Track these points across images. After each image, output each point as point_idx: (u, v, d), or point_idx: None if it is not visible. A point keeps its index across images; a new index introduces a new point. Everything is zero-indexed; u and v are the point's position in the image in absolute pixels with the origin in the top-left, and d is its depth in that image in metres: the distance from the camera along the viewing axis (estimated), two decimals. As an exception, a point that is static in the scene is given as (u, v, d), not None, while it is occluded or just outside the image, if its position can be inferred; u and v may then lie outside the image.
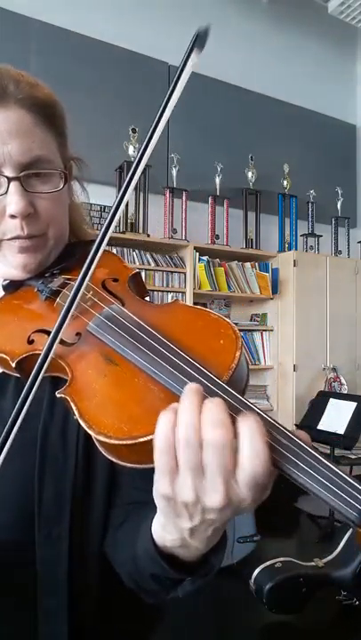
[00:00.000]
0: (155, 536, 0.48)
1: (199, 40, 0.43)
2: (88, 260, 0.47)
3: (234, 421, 0.38)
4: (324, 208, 4.45)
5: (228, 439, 0.37)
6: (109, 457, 0.43)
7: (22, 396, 0.44)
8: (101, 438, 0.42)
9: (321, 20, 4.56)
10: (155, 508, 0.45)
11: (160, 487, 0.41)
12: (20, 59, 3.20)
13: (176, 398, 0.41)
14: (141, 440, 0.40)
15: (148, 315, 0.52)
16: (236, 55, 4.20)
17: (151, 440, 0.40)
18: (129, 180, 0.47)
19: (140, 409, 0.43)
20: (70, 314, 0.46)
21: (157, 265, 3.54)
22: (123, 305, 0.55)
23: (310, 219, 4.37)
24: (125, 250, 3.45)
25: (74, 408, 0.45)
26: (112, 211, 0.47)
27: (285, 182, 4.30)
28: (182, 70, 0.44)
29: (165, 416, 0.39)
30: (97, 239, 0.47)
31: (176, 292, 3.58)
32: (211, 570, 0.49)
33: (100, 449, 0.44)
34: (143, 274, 3.48)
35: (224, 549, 0.49)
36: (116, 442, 0.41)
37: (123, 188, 0.47)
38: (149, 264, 3.51)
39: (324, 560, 2.10)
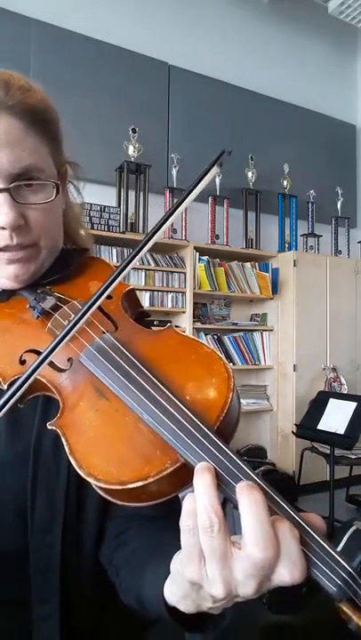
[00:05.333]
0: (167, 600, 0.44)
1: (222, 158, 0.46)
2: (87, 305, 0.47)
3: (232, 484, 0.37)
4: (324, 208, 4.45)
5: (275, 557, 0.34)
6: (100, 493, 0.43)
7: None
8: (91, 480, 0.41)
9: (321, 19, 4.56)
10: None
11: (187, 573, 0.37)
12: (20, 59, 3.20)
13: (165, 442, 0.41)
14: (130, 487, 0.39)
15: (141, 344, 0.51)
16: (236, 55, 4.20)
17: (140, 486, 0.39)
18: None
19: (130, 451, 0.42)
20: (60, 346, 0.46)
21: (157, 265, 3.53)
22: (116, 329, 0.55)
23: (310, 219, 4.37)
24: (125, 250, 3.45)
25: (64, 444, 0.45)
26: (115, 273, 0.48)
27: (285, 182, 4.30)
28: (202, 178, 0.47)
29: (190, 497, 0.37)
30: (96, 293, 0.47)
31: (176, 291, 3.58)
32: (222, 619, 0.46)
33: (93, 486, 0.43)
34: (143, 274, 3.48)
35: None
36: (105, 486, 0.41)
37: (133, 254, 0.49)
38: (149, 264, 3.51)
39: (325, 560, 2.09)
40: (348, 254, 4.50)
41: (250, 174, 4.11)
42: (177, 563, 0.41)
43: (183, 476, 0.38)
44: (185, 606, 0.41)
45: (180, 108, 3.88)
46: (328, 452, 3.13)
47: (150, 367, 0.47)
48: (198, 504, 0.36)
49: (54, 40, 3.38)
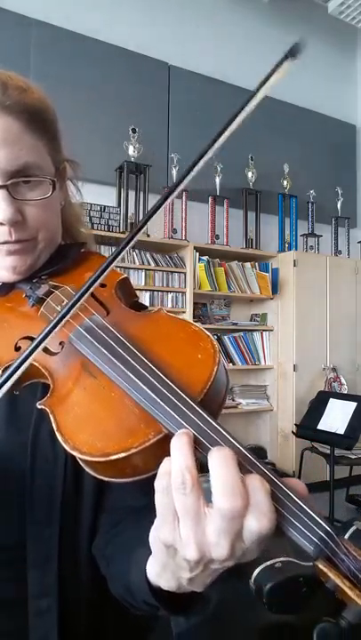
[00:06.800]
0: (149, 577, 0.46)
1: (292, 51, 0.43)
2: (81, 291, 0.47)
3: (207, 451, 0.37)
4: (324, 208, 4.45)
5: (243, 507, 0.35)
6: (87, 469, 0.43)
7: None
8: (75, 454, 0.42)
9: (321, 19, 4.56)
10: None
11: (162, 535, 0.38)
12: (20, 59, 3.20)
13: (149, 414, 0.41)
14: (113, 458, 0.40)
15: (130, 325, 0.52)
16: (236, 55, 4.20)
17: (123, 457, 0.40)
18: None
19: (114, 425, 0.43)
20: (52, 334, 0.46)
21: (157, 265, 3.54)
22: (107, 313, 0.56)
23: (310, 219, 4.37)
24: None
25: (52, 421, 0.46)
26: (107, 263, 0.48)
27: (285, 182, 4.30)
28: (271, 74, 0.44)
29: (167, 460, 0.37)
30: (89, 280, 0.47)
31: (176, 291, 3.58)
32: (206, 604, 0.48)
33: (79, 461, 0.44)
34: (143, 274, 3.48)
35: (219, 581, 0.48)
36: (89, 458, 0.41)
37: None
38: (149, 264, 3.51)
39: (325, 560, 2.09)
40: (348, 254, 4.50)
41: (250, 174, 4.11)
42: (154, 529, 0.41)
43: (167, 450, 0.39)
44: (166, 581, 0.42)
45: (180, 107, 3.88)
46: (328, 452, 3.13)
47: (137, 344, 0.48)
48: (173, 463, 0.36)
49: (54, 40, 3.38)
